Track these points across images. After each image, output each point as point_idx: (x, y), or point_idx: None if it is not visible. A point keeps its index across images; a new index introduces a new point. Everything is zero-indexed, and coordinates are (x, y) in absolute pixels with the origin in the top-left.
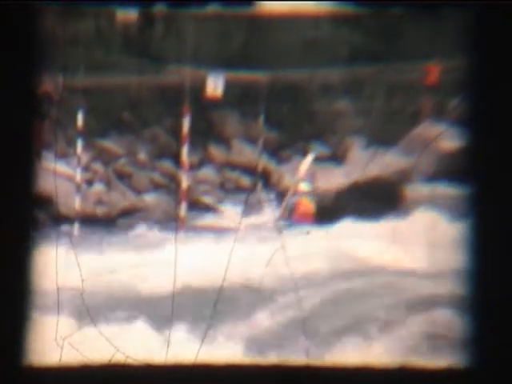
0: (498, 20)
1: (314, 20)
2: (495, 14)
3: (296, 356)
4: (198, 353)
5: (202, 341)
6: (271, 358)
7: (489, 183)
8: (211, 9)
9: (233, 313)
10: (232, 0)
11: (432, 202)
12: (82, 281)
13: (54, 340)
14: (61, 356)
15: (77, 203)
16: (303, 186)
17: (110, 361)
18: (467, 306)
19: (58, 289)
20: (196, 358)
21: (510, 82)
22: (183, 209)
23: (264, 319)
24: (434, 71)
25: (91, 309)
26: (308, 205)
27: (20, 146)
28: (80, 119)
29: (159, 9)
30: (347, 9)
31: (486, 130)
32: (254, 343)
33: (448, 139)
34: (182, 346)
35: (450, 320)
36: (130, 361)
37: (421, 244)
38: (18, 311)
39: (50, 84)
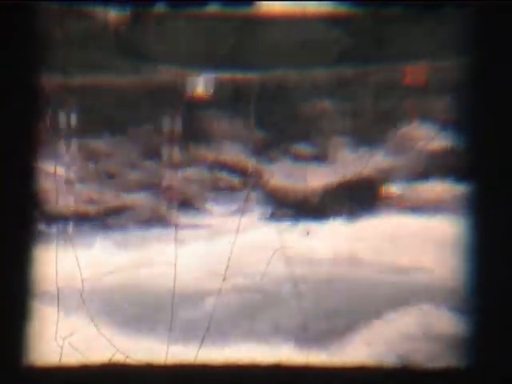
0: (497, 19)
1: (303, 21)
2: (494, 14)
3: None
4: (198, 353)
5: (202, 341)
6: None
7: (489, 182)
8: (211, 9)
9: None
10: (232, 0)
11: (418, 202)
12: (82, 281)
13: (54, 340)
14: (61, 356)
15: (70, 202)
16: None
17: (109, 361)
18: (467, 306)
19: (57, 289)
20: (196, 358)
21: (510, 81)
22: (173, 209)
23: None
24: (419, 72)
25: (90, 308)
26: None
27: (19, 145)
28: (72, 119)
29: (159, 8)
30: (346, 9)
31: (486, 129)
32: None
33: (435, 140)
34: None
35: (433, 316)
36: (129, 361)
37: (408, 242)
38: (17, 311)
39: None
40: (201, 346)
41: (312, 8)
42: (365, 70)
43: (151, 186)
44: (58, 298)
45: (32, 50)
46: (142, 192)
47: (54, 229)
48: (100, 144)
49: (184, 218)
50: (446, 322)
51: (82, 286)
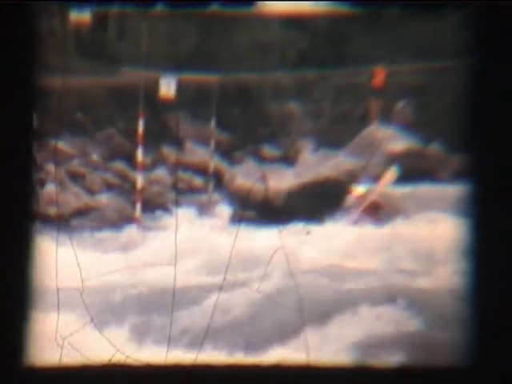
0: (497, 19)
1: (264, 22)
2: (494, 14)
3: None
4: (199, 353)
5: (202, 341)
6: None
7: (489, 182)
8: (211, 9)
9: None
10: (232, 0)
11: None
12: (82, 281)
13: (54, 340)
14: (61, 356)
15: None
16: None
17: (109, 361)
18: (466, 305)
19: (57, 289)
20: (196, 358)
21: (510, 81)
22: (138, 209)
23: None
24: (380, 75)
25: (91, 308)
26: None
27: (19, 145)
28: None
29: (160, 8)
30: (345, 9)
31: (486, 129)
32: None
33: (395, 141)
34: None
35: (393, 317)
36: (129, 361)
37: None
38: (18, 311)
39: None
40: (201, 345)
41: (271, 8)
42: (324, 72)
43: (116, 188)
44: (58, 298)
45: (32, 50)
46: (107, 193)
47: (53, 229)
48: (61, 145)
49: (148, 220)
50: (391, 319)
51: (82, 285)
